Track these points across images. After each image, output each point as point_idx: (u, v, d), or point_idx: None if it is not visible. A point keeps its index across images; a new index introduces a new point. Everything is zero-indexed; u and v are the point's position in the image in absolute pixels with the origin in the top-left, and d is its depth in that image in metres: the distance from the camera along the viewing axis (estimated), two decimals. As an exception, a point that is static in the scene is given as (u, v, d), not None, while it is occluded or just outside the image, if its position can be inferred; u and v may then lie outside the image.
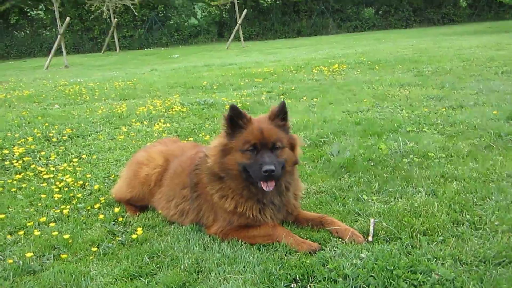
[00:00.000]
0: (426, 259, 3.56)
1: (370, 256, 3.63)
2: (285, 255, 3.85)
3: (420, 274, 3.38)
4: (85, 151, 7.23)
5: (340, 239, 4.02)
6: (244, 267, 3.69)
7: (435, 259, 3.57)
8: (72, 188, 5.72)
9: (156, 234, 4.44)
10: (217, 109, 9.87)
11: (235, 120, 4.07)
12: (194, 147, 5.24)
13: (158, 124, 8.78)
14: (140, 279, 3.64)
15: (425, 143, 6.46)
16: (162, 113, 9.71)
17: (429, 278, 3.34)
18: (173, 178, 4.81)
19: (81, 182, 5.87)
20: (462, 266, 3.50)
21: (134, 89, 14.11)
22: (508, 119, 7.40)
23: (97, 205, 5.13)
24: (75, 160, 6.74)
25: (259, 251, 3.94)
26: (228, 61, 22.35)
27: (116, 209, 4.97)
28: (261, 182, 3.98)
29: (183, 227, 4.49)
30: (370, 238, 3.99)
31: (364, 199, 4.86)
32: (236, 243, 4.08)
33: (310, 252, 3.83)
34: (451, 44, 21.81)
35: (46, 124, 8.99)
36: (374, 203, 4.74)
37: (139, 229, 4.45)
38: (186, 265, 3.77)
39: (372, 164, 5.86)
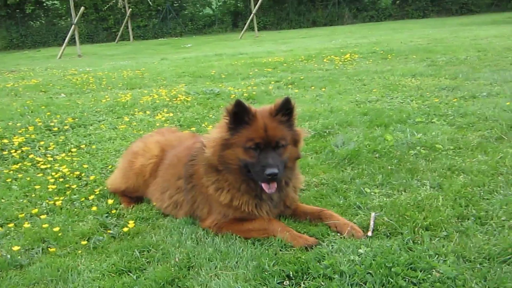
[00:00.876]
0: (427, 256, 3.40)
1: (368, 252, 3.48)
2: (280, 250, 3.69)
3: (420, 271, 3.22)
4: (85, 141, 7.12)
5: (338, 234, 3.85)
6: (236, 262, 3.55)
7: (437, 256, 3.41)
8: (68, 179, 5.61)
9: (149, 227, 4.32)
10: (223, 99, 9.70)
11: (240, 115, 3.87)
12: (192, 137, 5.09)
13: (161, 113, 8.65)
14: (128, 275, 3.52)
15: (433, 134, 6.24)
16: (166, 102, 9.58)
17: (429, 276, 3.18)
18: (168, 168, 4.66)
19: (77, 173, 5.75)
20: (465, 263, 3.33)
21: (142, 78, 14.02)
22: (522, 109, 7.12)
23: (92, 197, 5.02)
24: (73, 150, 6.64)
25: (254, 245, 3.78)
26: (239, 50, 22.18)
27: (110, 201, 4.84)
28: (263, 184, 3.84)
29: (177, 220, 4.34)
30: (369, 233, 3.83)
31: (366, 192, 4.67)
32: (230, 237, 3.93)
33: (306, 247, 3.67)
34: (467, 34, 21.37)
35: (49, 113, 8.91)
36: (377, 196, 4.57)
37: (131, 222, 4.31)
38: (177, 260, 3.63)
39: (376, 156, 5.67)
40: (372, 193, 4.65)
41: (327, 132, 6.81)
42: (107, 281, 3.44)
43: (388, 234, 3.81)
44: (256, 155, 3.83)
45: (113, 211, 4.64)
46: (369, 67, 13.11)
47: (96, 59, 24.55)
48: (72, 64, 21.04)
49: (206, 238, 3.96)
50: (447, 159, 5.38)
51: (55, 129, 7.74)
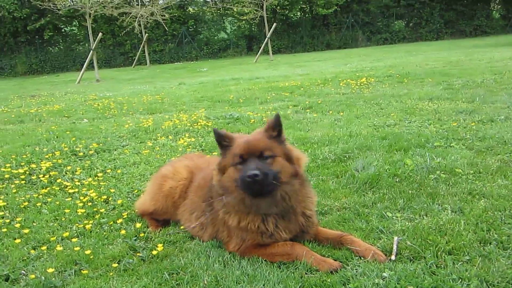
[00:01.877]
0: (451, 280, 3.45)
1: (392, 275, 3.54)
2: (306, 273, 3.76)
3: (444, 295, 3.28)
4: (110, 166, 7.27)
5: (362, 258, 3.92)
6: (263, 285, 3.63)
7: (460, 280, 3.46)
8: (95, 203, 5.75)
9: (176, 250, 4.41)
10: (243, 124, 9.86)
11: (221, 142, 4.18)
12: (220, 161, 5.23)
13: (183, 138, 8.81)
14: (159, 297, 3.61)
15: (452, 159, 6.30)
16: (188, 127, 9.74)
17: (453, 299, 3.23)
18: (197, 190, 4.79)
19: (104, 197, 5.89)
20: (488, 287, 3.38)
21: (162, 103, 14.24)
22: (540, 133, 7.16)
23: (120, 220, 5.14)
24: (100, 174, 6.79)
25: (279, 269, 3.86)
26: (256, 74, 22.41)
27: (138, 224, 4.96)
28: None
29: (204, 243, 4.44)
30: (393, 257, 3.88)
31: (388, 216, 4.74)
32: (256, 260, 4.01)
33: (331, 271, 3.74)
34: (482, 57, 21.42)
35: (74, 138, 9.11)
36: (398, 220, 4.62)
37: (160, 245, 4.42)
38: (206, 282, 3.72)
39: (397, 180, 5.74)
40: (394, 217, 4.70)
41: (347, 156, 6.88)
42: (139, 303, 3.55)
43: (411, 258, 3.86)
44: (242, 168, 3.95)
45: (142, 235, 4.74)
46: (386, 90, 13.18)
47: (114, 83, 24.95)
48: (91, 89, 21.41)
49: (233, 261, 4.04)
50: (467, 183, 5.43)
51: (81, 154, 7.92)
